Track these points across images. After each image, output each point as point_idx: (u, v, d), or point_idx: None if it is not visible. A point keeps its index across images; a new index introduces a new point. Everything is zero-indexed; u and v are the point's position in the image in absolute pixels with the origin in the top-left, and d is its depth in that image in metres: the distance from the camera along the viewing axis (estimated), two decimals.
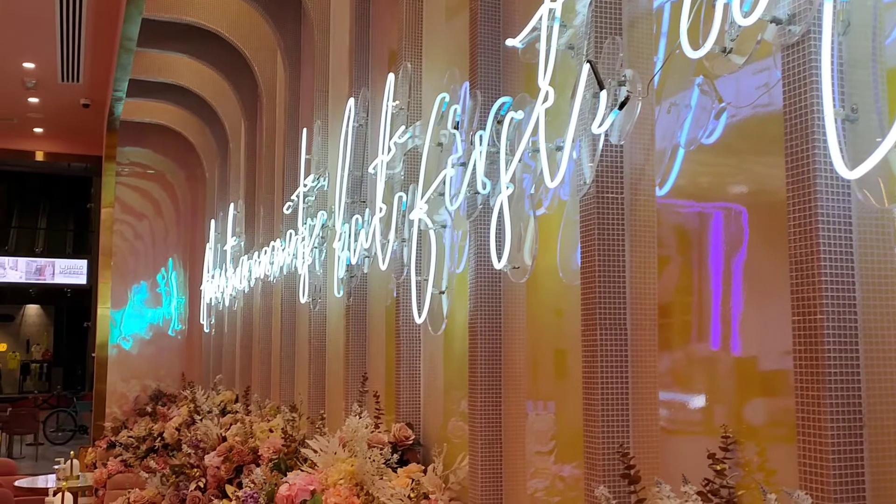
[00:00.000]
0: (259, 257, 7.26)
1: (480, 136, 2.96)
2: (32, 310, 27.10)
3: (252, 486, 4.34)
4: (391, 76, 4.02)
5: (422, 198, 3.50)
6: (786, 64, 1.72)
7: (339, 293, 4.84)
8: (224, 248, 8.94)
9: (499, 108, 2.90)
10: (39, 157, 14.00)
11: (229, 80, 8.38)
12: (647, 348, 2.27)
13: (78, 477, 7.67)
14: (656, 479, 1.95)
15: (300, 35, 6.75)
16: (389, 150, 3.95)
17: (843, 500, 1.57)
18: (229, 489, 4.83)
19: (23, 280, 21.50)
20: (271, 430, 5.21)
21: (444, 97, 3.44)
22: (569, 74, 2.52)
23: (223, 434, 5.67)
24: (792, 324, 1.68)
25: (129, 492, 6.41)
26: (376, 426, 3.76)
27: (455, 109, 3.32)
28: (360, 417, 3.61)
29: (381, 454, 3.43)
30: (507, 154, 2.77)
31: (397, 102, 3.93)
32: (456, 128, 3.26)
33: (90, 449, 9.66)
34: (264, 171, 7.50)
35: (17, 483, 8.02)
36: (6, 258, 21.56)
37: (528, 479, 2.87)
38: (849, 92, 1.64)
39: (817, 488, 1.60)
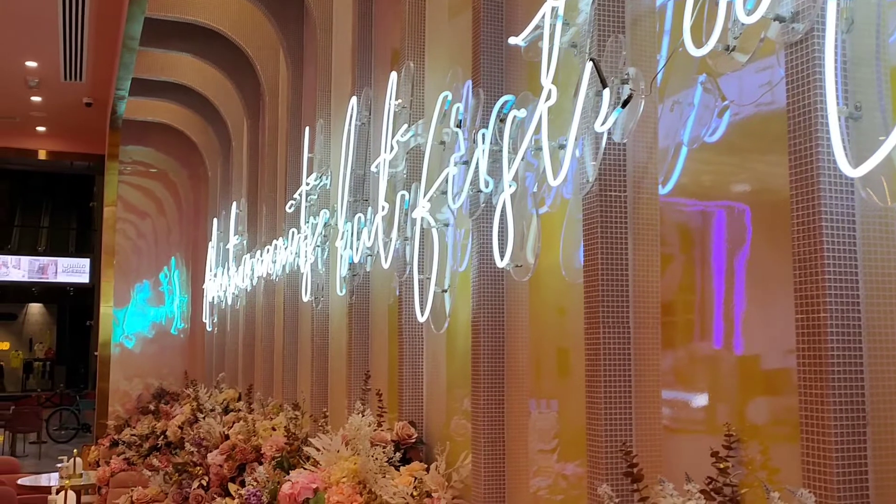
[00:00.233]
0: (261, 256, 7.27)
1: (483, 135, 2.96)
2: (35, 308, 27.15)
3: (255, 484, 4.35)
4: (394, 74, 4.02)
5: (424, 196, 3.50)
6: (789, 62, 1.72)
7: (341, 292, 4.84)
8: (226, 247, 8.95)
9: (501, 107, 2.90)
10: (42, 155, 14.03)
11: (232, 78, 8.39)
12: (649, 347, 2.27)
13: (81, 475, 7.67)
14: (659, 478, 1.95)
15: (303, 34, 6.75)
16: (392, 148, 3.95)
17: (847, 499, 1.57)
18: (232, 487, 4.84)
19: (25, 279, 21.54)
20: (274, 429, 5.22)
21: (447, 95, 3.44)
22: (571, 72, 2.52)
23: (226, 432, 5.67)
24: (795, 322, 1.68)
25: (131, 490, 6.41)
26: (379, 424, 3.76)
27: (458, 108, 3.32)
28: (363, 416, 3.61)
29: (383, 452, 3.43)
30: (509, 152, 2.77)
31: (400, 101, 3.93)
32: (458, 126, 3.26)
33: (93, 447, 9.67)
34: (267, 169, 7.51)
35: (20, 481, 8.03)
36: (9, 257, 21.60)
37: (530, 478, 2.87)
38: (852, 90, 1.64)
39: (821, 486, 1.59)
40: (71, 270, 21.58)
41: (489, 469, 2.97)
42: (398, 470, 3.41)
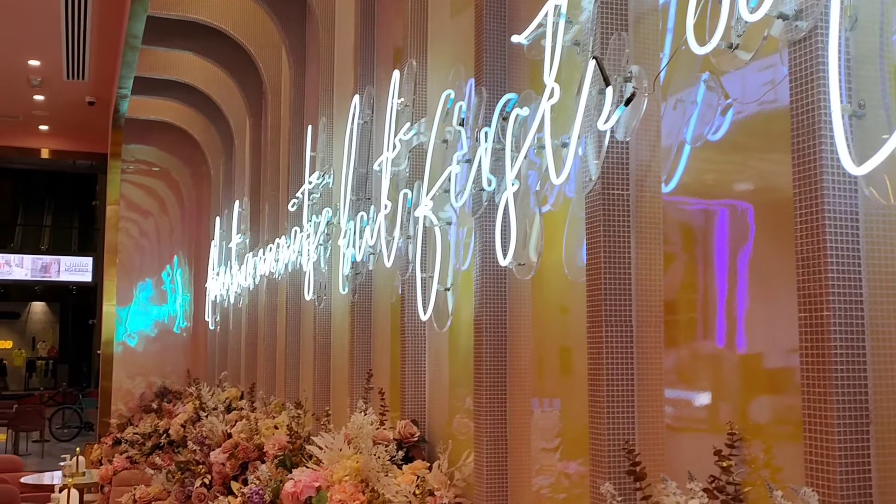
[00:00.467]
0: (264, 254, 7.27)
1: (486, 133, 2.96)
2: (38, 307, 27.19)
3: (257, 482, 4.36)
4: (396, 73, 4.02)
5: (427, 195, 3.50)
6: (792, 60, 1.72)
7: (344, 290, 4.84)
8: (229, 246, 8.95)
9: (504, 105, 2.90)
10: (45, 154, 14.04)
11: (234, 77, 8.39)
12: (652, 345, 2.27)
13: (83, 473, 7.67)
14: (662, 476, 1.94)
15: (305, 32, 6.75)
16: (394, 147, 3.95)
17: (850, 497, 1.57)
18: (235, 486, 4.85)
19: (28, 277, 21.57)
20: (276, 427, 5.22)
21: (450, 94, 3.44)
22: (574, 71, 2.51)
23: (228, 431, 5.68)
24: (798, 321, 1.68)
25: (134, 488, 6.42)
26: (381, 423, 3.76)
27: (460, 106, 3.31)
28: (366, 414, 3.62)
29: (386, 451, 3.43)
30: (512, 151, 2.77)
31: (402, 99, 3.93)
32: (461, 124, 3.26)
33: (96, 446, 9.69)
34: (269, 168, 7.51)
35: (22, 480, 8.04)
36: (12, 256, 21.62)
37: (533, 476, 2.87)
38: (856, 88, 1.63)
39: (824, 485, 1.59)
40: (74, 269, 21.61)
41: (491, 467, 2.97)
42: (401, 468, 3.41)
